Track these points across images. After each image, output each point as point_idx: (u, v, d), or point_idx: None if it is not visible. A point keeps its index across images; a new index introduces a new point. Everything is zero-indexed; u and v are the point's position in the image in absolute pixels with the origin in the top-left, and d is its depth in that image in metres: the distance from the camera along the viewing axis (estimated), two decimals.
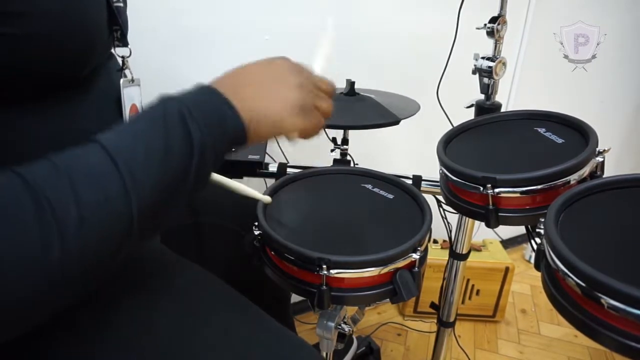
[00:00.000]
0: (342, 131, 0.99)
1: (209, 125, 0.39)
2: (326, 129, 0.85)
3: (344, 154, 0.99)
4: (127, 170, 0.34)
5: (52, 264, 0.30)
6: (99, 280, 0.35)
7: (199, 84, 0.42)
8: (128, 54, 0.55)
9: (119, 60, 0.55)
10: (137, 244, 0.36)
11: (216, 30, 1.09)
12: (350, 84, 0.96)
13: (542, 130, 0.73)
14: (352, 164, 1.01)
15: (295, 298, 1.13)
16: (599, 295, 0.41)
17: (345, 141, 0.99)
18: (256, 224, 0.64)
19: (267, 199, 0.64)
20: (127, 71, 0.55)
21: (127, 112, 0.53)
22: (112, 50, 0.55)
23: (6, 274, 0.28)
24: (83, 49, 0.44)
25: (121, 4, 0.53)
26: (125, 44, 0.54)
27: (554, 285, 0.48)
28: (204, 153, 0.38)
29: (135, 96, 0.55)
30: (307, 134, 0.48)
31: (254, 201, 0.65)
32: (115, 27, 0.52)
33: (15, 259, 0.29)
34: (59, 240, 0.30)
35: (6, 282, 0.28)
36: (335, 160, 0.99)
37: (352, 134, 1.02)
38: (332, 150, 0.99)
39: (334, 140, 0.99)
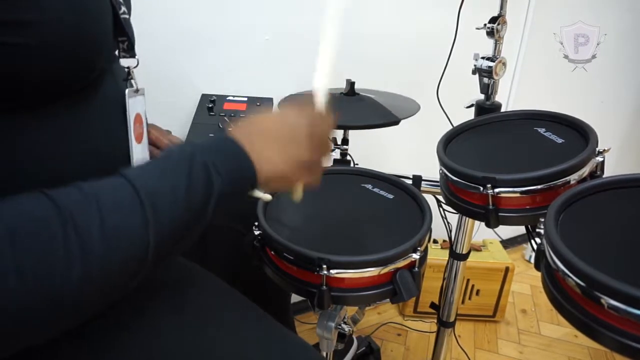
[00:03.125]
0: (342, 131, 1.00)
1: (229, 176, 0.42)
2: None
3: (344, 154, 0.99)
4: (150, 205, 0.36)
5: (72, 283, 0.32)
6: (113, 301, 0.37)
7: (223, 134, 0.46)
8: (135, 65, 0.55)
9: (125, 70, 0.55)
10: (150, 271, 0.38)
11: (216, 30, 1.09)
12: (350, 84, 0.96)
13: (542, 130, 0.73)
14: (352, 164, 1.01)
15: (295, 298, 1.13)
16: (599, 295, 0.41)
17: (345, 141, 0.99)
18: (256, 224, 0.64)
19: (268, 197, 0.64)
20: (132, 81, 0.55)
21: (131, 121, 0.53)
22: (120, 61, 0.55)
23: (29, 288, 0.30)
24: (90, 58, 0.44)
25: (127, 16, 0.53)
26: (132, 55, 0.54)
27: (554, 285, 0.48)
28: (221, 199, 0.42)
29: (140, 106, 0.55)
30: (309, 186, 0.52)
31: (254, 201, 0.65)
32: (123, 38, 0.52)
33: (39, 275, 0.30)
34: (81, 262, 0.32)
35: (28, 295, 0.30)
36: (335, 160, 0.99)
37: (352, 134, 1.02)
38: (332, 150, 0.99)
39: (334, 140, 0.99)
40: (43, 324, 0.32)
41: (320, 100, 0.53)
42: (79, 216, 0.33)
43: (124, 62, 0.55)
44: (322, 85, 0.53)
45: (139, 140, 0.55)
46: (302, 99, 0.52)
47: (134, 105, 0.54)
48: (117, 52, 0.54)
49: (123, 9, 0.52)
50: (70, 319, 0.34)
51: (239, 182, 0.44)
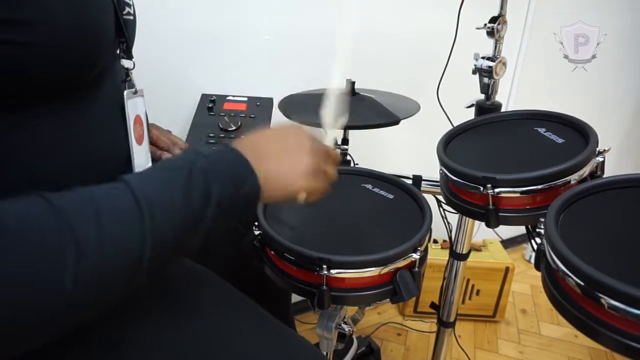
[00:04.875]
0: (342, 131, 0.99)
1: (229, 185, 0.42)
2: None
3: (344, 154, 0.99)
4: (148, 212, 0.36)
5: (65, 287, 0.31)
6: (106, 307, 0.37)
7: (227, 145, 0.46)
8: (132, 67, 0.55)
9: (123, 72, 0.55)
10: (144, 280, 0.38)
11: (216, 30, 1.09)
12: (350, 84, 0.96)
13: (542, 130, 0.73)
14: (352, 164, 1.01)
15: (295, 298, 1.13)
16: (599, 295, 0.41)
17: (345, 141, 0.99)
18: (256, 224, 0.64)
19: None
20: (130, 82, 0.55)
21: (131, 123, 0.53)
22: (119, 62, 0.55)
23: (21, 290, 0.30)
24: (90, 56, 0.44)
25: (131, 17, 0.53)
26: (129, 56, 0.54)
27: (554, 285, 0.48)
28: (220, 208, 0.41)
29: (139, 107, 0.55)
30: (314, 196, 0.51)
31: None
32: (122, 39, 0.52)
33: (31, 277, 0.30)
34: (74, 266, 0.31)
35: (19, 298, 0.30)
36: None
37: (352, 134, 1.02)
38: (340, 159, 0.99)
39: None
40: (33, 328, 0.32)
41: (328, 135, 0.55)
42: (75, 219, 0.33)
43: (122, 63, 0.55)
44: (335, 89, 0.54)
45: (139, 141, 0.55)
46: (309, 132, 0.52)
47: (133, 107, 0.54)
48: (117, 52, 0.54)
49: (127, 9, 0.52)
50: (62, 324, 0.34)
51: (241, 191, 0.43)
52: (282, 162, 0.47)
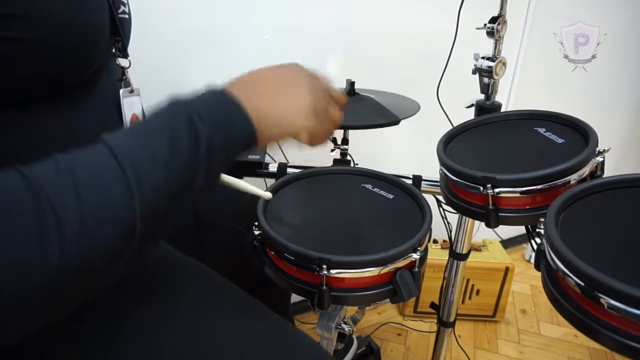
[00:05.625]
0: (342, 131, 0.99)
1: (216, 124, 0.38)
2: None
3: (344, 154, 0.99)
4: (132, 173, 0.33)
5: (49, 265, 0.29)
6: (97, 287, 0.34)
7: (210, 86, 0.42)
8: (128, 65, 0.55)
9: (119, 70, 0.55)
10: (137, 251, 0.35)
11: (216, 30, 1.09)
12: (350, 84, 0.96)
13: (542, 130, 0.73)
14: (352, 164, 1.01)
15: (295, 298, 1.13)
16: (599, 295, 0.41)
17: (345, 141, 0.99)
18: (256, 223, 0.64)
19: (268, 195, 0.64)
20: (127, 81, 0.55)
21: (127, 121, 0.53)
22: (115, 60, 0.55)
23: (1, 273, 0.28)
24: (85, 53, 0.44)
25: (126, 16, 0.53)
26: (125, 55, 0.54)
27: (554, 285, 0.48)
28: (212, 153, 0.38)
29: (136, 105, 0.55)
30: (317, 138, 0.48)
31: (254, 200, 0.65)
32: (117, 38, 0.52)
33: (12, 258, 0.28)
34: (57, 242, 0.29)
35: (1, 282, 0.28)
36: (335, 160, 0.99)
37: (352, 134, 1.02)
38: (332, 150, 0.99)
39: (334, 140, 0.99)
40: (16, 310, 0.29)
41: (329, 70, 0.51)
42: (51, 188, 0.30)
43: (118, 62, 0.55)
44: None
45: None
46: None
47: (129, 106, 0.54)
48: (113, 51, 0.54)
49: (122, 8, 0.52)
50: (47, 306, 0.31)
51: (232, 131, 0.40)
52: (279, 98, 0.43)
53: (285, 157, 1.10)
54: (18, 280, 0.28)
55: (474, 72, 0.87)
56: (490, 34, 0.84)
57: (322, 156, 0.99)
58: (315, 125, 0.46)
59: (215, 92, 0.41)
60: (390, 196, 0.73)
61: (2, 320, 0.29)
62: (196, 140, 0.37)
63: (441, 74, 0.98)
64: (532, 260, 0.56)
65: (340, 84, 0.99)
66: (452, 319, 1.05)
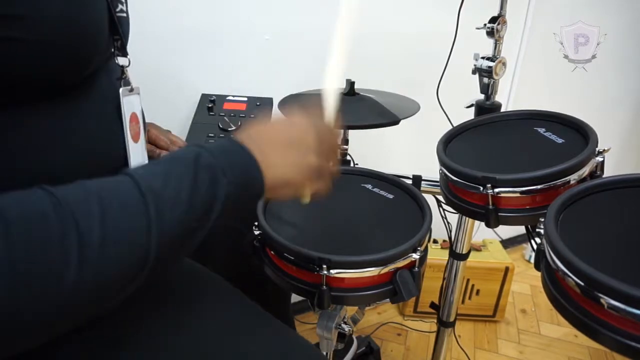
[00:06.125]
0: (342, 131, 0.99)
1: (236, 184, 0.41)
2: None
3: (344, 154, 0.99)
4: (154, 208, 0.35)
5: (65, 285, 0.30)
6: (108, 306, 0.36)
7: (232, 138, 0.44)
8: (127, 64, 0.55)
9: (118, 69, 0.55)
10: (147, 279, 0.37)
11: (216, 30, 1.09)
12: (350, 84, 0.96)
13: (542, 130, 0.73)
14: (352, 164, 1.01)
15: (295, 298, 1.13)
16: (599, 295, 0.41)
17: (345, 141, 0.99)
18: (256, 223, 0.64)
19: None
20: (126, 80, 0.55)
21: (127, 120, 0.53)
22: (115, 59, 0.55)
23: (21, 286, 0.29)
24: (84, 52, 0.44)
25: (124, 15, 0.53)
26: (124, 54, 0.54)
27: (554, 285, 0.48)
28: (226, 204, 0.41)
29: (135, 105, 0.55)
30: (317, 194, 0.51)
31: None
32: (116, 36, 0.52)
33: (32, 275, 0.29)
34: (77, 262, 0.31)
35: (19, 294, 0.29)
36: None
37: (352, 134, 1.02)
38: (341, 157, 0.99)
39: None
40: (32, 323, 0.31)
41: (329, 106, 0.52)
42: (78, 212, 0.32)
43: (117, 61, 0.55)
44: (332, 86, 0.53)
45: (135, 139, 0.55)
46: (309, 107, 0.51)
47: (129, 105, 0.53)
48: (112, 50, 0.54)
49: (121, 7, 0.52)
50: (62, 320, 0.33)
51: (246, 187, 0.42)
52: (287, 160, 0.46)
53: None
54: (34, 295, 0.30)
55: (473, 72, 0.87)
56: (490, 34, 0.84)
57: None
58: (317, 184, 0.49)
59: (240, 150, 0.43)
60: (390, 196, 0.73)
61: (13, 331, 0.30)
62: (214, 195, 0.39)
63: (441, 74, 0.98)
64: (532, 260, 0.56)
65: (340, 84, 0.99)
66: (452, 319, 1.05)
